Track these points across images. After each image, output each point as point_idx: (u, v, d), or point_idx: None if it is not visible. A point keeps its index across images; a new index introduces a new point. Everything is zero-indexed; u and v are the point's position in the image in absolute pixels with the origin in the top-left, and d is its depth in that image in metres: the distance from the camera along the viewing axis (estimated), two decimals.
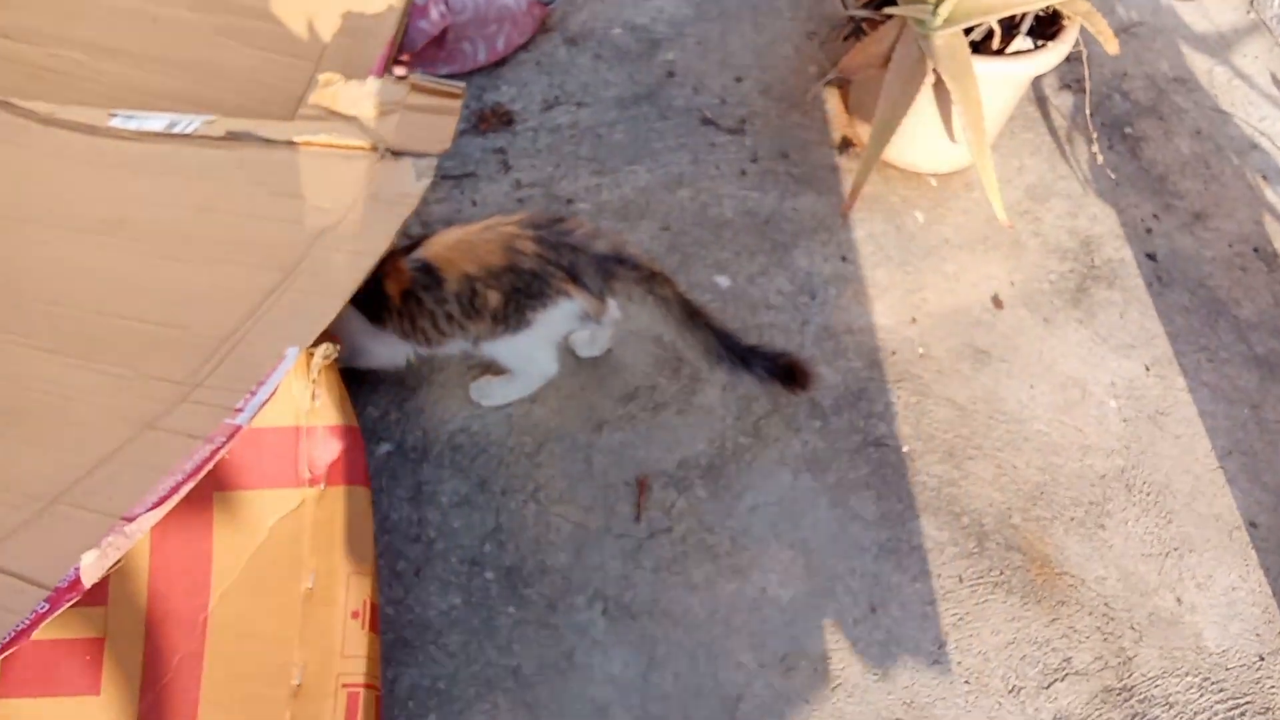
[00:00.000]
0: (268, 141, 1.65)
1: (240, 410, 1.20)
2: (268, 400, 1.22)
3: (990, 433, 1.75)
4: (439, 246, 1.46)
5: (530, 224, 1.45)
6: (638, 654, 1.49)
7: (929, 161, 2.04)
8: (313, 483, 1.36)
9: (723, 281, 1.87)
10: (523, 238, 1.43)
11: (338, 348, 1.38)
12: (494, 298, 1.44)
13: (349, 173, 1.59)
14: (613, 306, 1.55)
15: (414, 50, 1.97)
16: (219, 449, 1.15)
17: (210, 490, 1.34)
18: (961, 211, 2.04)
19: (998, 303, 1.91)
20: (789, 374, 1.51)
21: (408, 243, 1.50)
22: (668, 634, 1.51)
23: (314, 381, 1.35)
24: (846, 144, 2.09)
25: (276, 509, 1.35)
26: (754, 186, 2.02)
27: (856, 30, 1.89)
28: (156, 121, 1.70)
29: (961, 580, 1.59)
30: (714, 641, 1.51)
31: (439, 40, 2.00)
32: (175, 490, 1.08)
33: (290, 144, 1.64)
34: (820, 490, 1.66)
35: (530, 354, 1.57)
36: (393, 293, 1.47)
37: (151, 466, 1.11)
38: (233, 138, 1.65)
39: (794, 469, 1.68)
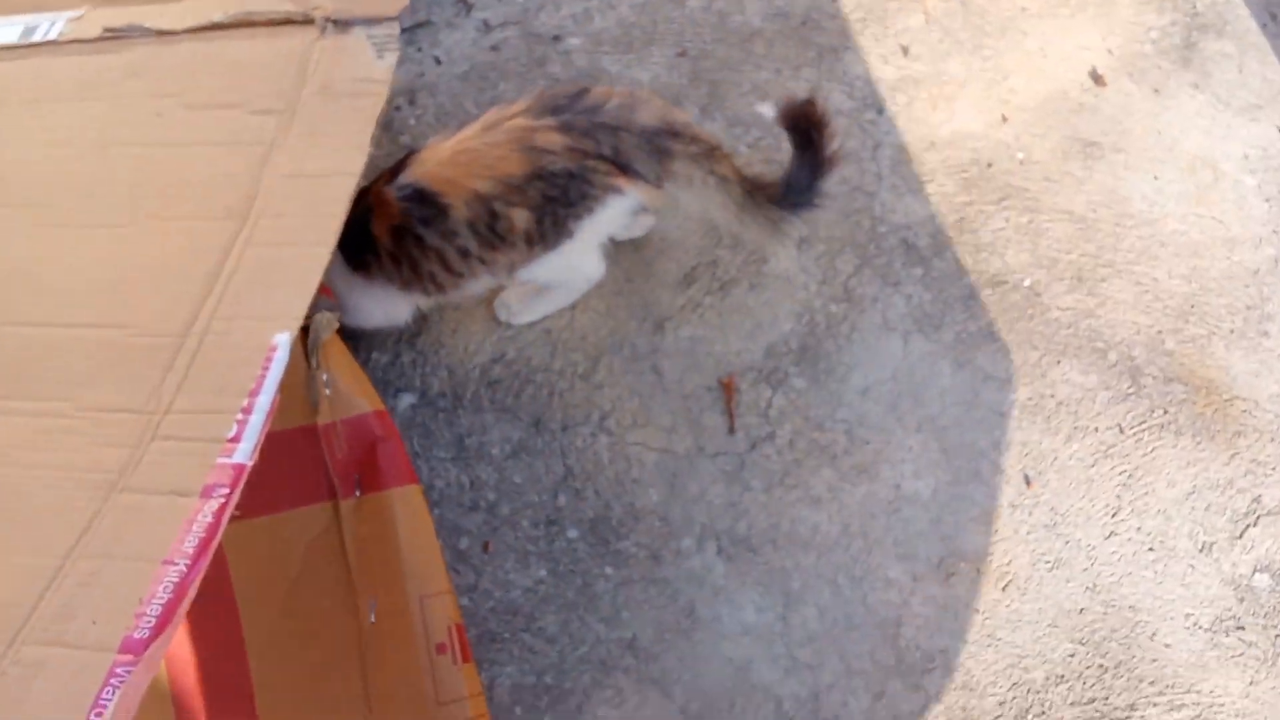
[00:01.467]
0: (162, 34, 1.23)
1: (235, 441, 0.87)
2: (270, 416, 0.89)
3: (1120, 244, 1.45)
4: (433, 164, 1.09)
5: (547, 108, 1.08)
6: (769, 593, 1.24)
7: None
8: (345, 493, 1.05)
9: (767, 111, 1.50)
10: (543, 130, 1.07)
11: (337, 315, 1.04)
12: (521, 217, 1.09)
13: (283, 58, 1.19)
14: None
15: None
16: (226, 505, 0.83)
17: None
18: None
19: (1098, 79, 1.57)
20: (798, 122, 1.17)
21: (389, 163, 1.13)
22: (799, 562, 1.26)
23: (318, 366, 1.02)
24: None
25: (305, 532, 1.05)
26: None
27: None
28: (8, 29, 1.26)
29: (1122, 430, 1.34)
30: (854, 560, 1.26)
31: None
32: (183, 591, 0.77)
33: (193, 31, 1.22)
34: (938, 353, 1.37)
35: (573, 265, 1.23)
36: (380, 232, 1.11)
37: (139, 555, 0.79)
38: (114, 36, 1.23)
39: (903, 333, 1.38)
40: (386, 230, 1.13)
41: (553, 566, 1.24)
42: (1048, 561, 1.27)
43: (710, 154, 1.14)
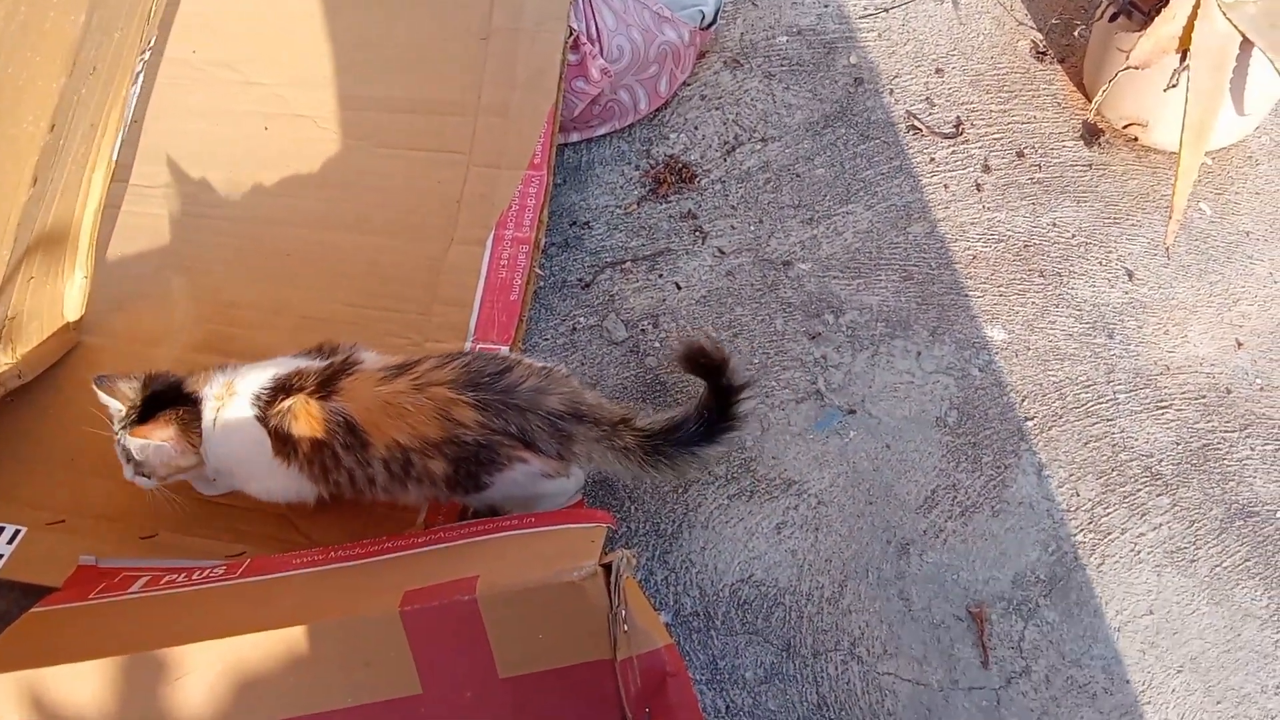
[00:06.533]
0: None
1: None
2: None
3: None
4: (365, 400, 1.18)
5: (469, 382, 1.18)
6: None
7: None
8: None
9: (996, 334, 1.55)
10: (461, 404, 1.16)
11: (635, 552, 1.10)
12: (438, 466, 1.19)
13: None
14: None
15: (573, 115, 1.66)
16: None
17: None
18: (1253, 193, 1.69)
19: None
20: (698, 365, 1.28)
21: (324, 367, 1.21)
22: None
23: (619, 604, 1.07)
24: (1093, 132, 1.74)
25: None
26: (996, 204, 1.68)
27: (1127, 8, 1.53)
28: None
29: None
30: None
31: (595, 96, 1.68)
32: None
33: None
34: (1194, 587, 1.35)
35: (515, 500, 1.28)
36: (302, 439, 1.19)
37: None
38: None
39: (1155, 565, 1.37)
40: (307, 439, 1.21)
41: None
42: None
43: (613, 430, 1.22)
